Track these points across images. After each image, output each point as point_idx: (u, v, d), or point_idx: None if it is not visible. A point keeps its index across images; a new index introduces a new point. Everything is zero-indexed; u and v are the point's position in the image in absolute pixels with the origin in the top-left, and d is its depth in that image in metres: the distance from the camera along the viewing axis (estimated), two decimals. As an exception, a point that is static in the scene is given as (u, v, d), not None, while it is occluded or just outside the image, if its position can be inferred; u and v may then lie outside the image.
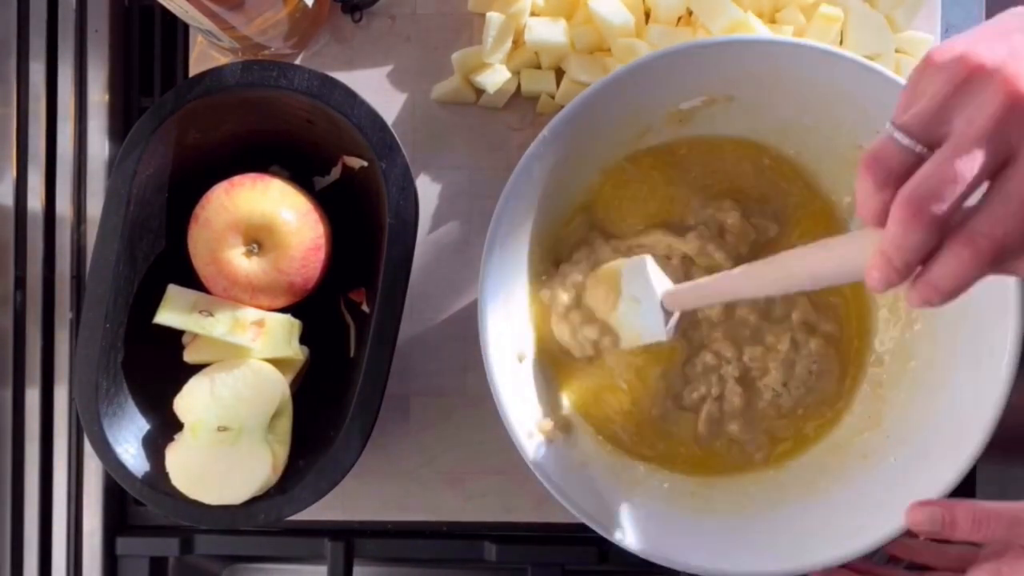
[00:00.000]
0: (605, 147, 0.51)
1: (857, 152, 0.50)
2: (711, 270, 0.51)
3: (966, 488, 0.57)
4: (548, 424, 0.50)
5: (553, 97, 0.55)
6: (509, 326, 0.50)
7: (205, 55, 0.57)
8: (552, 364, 0.53)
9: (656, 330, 0.48)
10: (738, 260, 0.52)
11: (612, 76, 0.46)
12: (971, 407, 0.47)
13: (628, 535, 0.48)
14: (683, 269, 0.53)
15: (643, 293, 0.48)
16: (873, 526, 0.47)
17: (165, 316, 0.48)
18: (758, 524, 0.51)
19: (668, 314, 0.48)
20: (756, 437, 0.53)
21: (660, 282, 0.48)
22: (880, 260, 0.33)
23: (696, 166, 0.54)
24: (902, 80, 0.45)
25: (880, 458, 0.51)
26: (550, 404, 0.52)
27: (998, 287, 0.45)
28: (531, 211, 0.49)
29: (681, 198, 0.54)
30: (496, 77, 0.55)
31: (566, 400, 0.53)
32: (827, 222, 0.53)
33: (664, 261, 0.52)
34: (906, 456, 0.50)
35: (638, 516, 0.49)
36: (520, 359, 0.51)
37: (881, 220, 0.33)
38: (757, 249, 0.53)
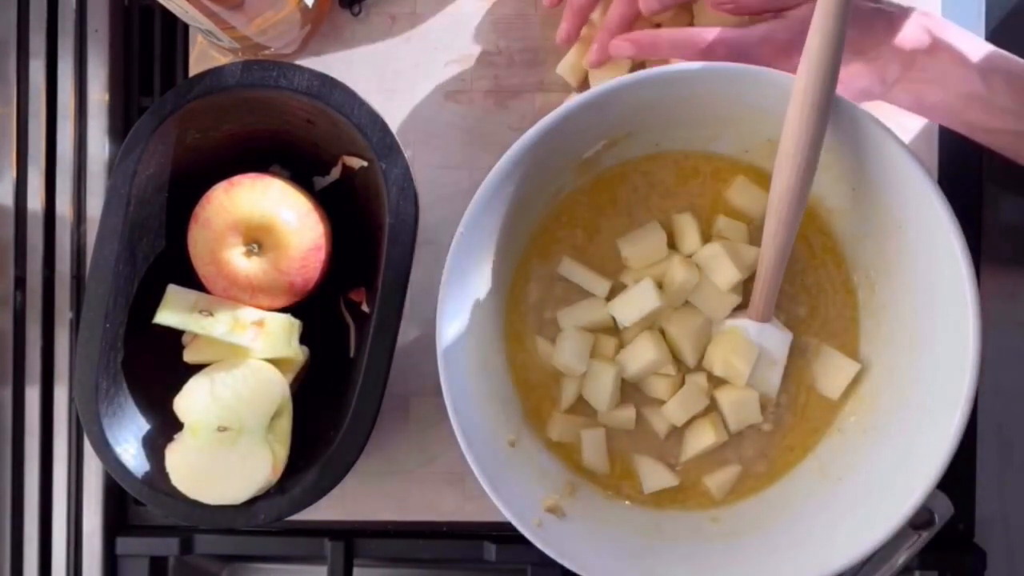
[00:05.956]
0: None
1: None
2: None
3: (966, 494, 0.57)
4: (553, 500, 0.49)
5: None
6: (490, 409, 0.49)
7: (205, 55, 0.57)
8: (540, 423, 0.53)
9: (779, 336, 0.50)
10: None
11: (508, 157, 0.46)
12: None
13: None
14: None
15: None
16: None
17: (165, 316, 0.48)
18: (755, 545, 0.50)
19: (767, 322, 0.50)
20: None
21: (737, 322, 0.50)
22: None
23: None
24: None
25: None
26: (550, 475, 0.51)
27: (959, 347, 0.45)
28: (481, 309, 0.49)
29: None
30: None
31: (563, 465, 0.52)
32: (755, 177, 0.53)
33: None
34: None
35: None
36: (512, 443, 0.50)
37: None
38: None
